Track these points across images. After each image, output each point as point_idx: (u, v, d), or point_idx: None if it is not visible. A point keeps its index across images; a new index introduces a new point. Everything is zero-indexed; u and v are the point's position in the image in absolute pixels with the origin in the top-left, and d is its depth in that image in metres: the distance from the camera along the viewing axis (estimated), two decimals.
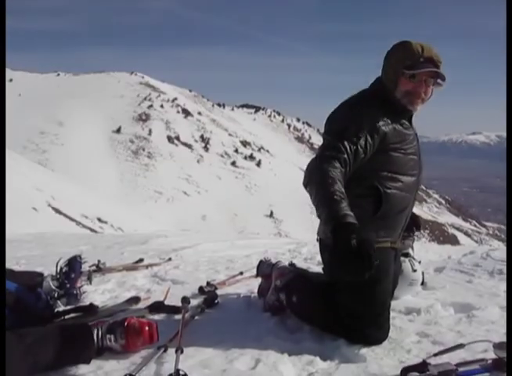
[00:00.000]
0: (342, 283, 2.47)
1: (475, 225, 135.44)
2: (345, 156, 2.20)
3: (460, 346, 2.10)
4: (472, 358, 2.05)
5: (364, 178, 2.42)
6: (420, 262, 3.40)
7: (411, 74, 2.39)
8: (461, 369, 1.94)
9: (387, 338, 2.44)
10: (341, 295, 2.46)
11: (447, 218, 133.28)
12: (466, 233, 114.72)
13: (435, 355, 2.06)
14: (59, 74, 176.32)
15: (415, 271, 3.17)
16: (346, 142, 2.23)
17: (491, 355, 2.04)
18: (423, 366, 1.95)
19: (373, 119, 2.35)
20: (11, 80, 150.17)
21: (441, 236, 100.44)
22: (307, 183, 2.16)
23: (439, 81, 2.47)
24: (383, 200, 2.41)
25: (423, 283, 3.47)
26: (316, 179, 2.12)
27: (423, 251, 5.89)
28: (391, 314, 2.70)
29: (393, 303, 2.94)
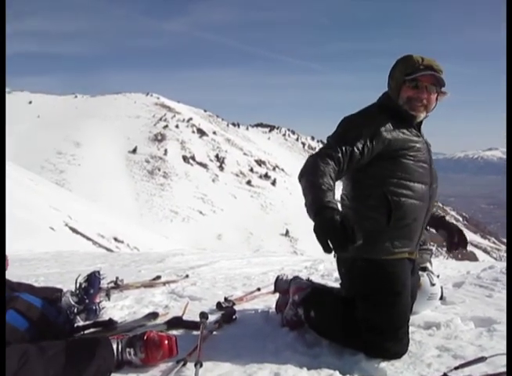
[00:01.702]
0: (361, 297, 2.47)
1: (494, 242, 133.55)
2: (339, 155, 2.26)
3: (482, 359, 2.08)
4: (494, 372, 2.02)
5: (374, 186, 2.45)
6: (438, 276, 3.37)
7: (411, 78, 2.48)
8: None
9: (407, 352, 2.42)
10: (360, 309, 2.46)
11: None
12: (484, 251, 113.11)
13: (456, 368, 2.04)
14: (76, 96, 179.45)
15: (433, 285, 3.14)
16: (343, 144, 2.30)
17: None
18: None
19: (375, 126, 2.41)
20: (30, 102, 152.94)
21: (459, 253, 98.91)
22: (300, 176, 2.23)
23: (443, 89, 2.55)
24: (392, 207, 2.42)
25: (442, 298, 3.44)
26: (308, 171, 2.20)
27: (441, 267, 5.83)
28: (411, 329, 2.67)
29: (412, 318, 2.91)
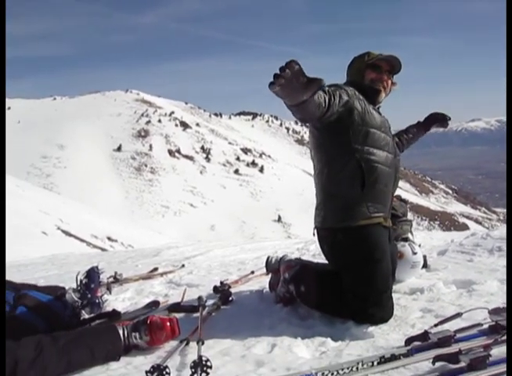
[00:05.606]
0: (344, 268, 2.66)
1: (485, 212, 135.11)
2: (330, 92, 2.37)
3: (458, 315, 2.27)
4: (469, 324, 2.21)
5: (346, 154, 2.64)
6: (420, 246, 3.56)
7: (372, 62, 2.78)
8: (459, 334, 2.10)
9: (393, 316, 2.61)
10: (345, 280, 2.65)
11: (456, 207, 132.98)
12: (476, 221, 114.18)
13: (436, 325, 2.23)
14: (55, 98, 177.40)
15: (415, 254, 3.33)
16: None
17: (488, 321, 2.20)
18: (424, 336, 2.12)
19: (352, 91, 2.61)
20: (9, 108, 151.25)
21: (452, 225, 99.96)
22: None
23: (394, 80, 2.87)
24: (365, 173, 2.62)
25: (426, 266, 3.63)
26: None
27: (427, 238, 6.04)
28: (397, 295, 2.88)
29: (397, 285, 3.13)
